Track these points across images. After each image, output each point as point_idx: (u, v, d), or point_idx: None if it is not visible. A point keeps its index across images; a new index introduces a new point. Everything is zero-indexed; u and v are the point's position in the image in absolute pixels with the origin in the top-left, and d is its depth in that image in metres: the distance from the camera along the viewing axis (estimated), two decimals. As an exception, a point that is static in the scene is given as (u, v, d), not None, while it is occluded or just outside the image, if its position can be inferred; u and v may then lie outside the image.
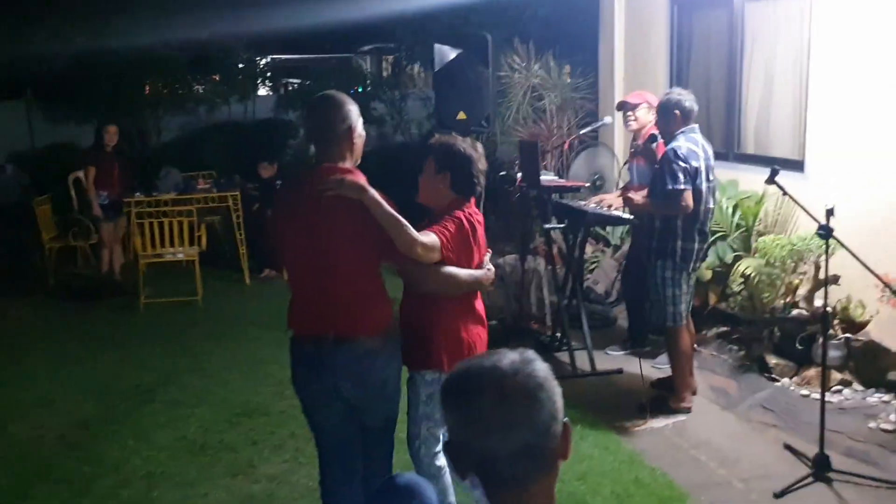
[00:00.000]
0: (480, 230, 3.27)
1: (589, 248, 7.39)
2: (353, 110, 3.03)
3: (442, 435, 3.26)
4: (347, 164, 3.02)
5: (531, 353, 1.44)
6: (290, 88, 14.36)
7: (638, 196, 4.98)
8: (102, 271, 8.36)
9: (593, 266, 7.51)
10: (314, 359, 3.01)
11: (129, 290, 7.88)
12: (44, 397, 5.54)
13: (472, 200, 3.28)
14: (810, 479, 4.02)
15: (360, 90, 12.54)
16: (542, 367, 1.42)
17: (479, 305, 3.35)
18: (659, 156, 5.01)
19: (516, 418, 1.36)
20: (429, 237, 3.01)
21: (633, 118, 5.61)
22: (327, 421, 3.14)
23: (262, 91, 15.15)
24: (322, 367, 2.99)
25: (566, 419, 1.43)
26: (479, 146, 3.33)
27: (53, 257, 8.68)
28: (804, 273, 5.44)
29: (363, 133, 3.08)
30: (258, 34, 12.73)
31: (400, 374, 3.16)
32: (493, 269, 3.30)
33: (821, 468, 4.05)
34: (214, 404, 5.29)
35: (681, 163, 4.63)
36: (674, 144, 4.73)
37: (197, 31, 11.76)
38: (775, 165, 4.25)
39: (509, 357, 1.42)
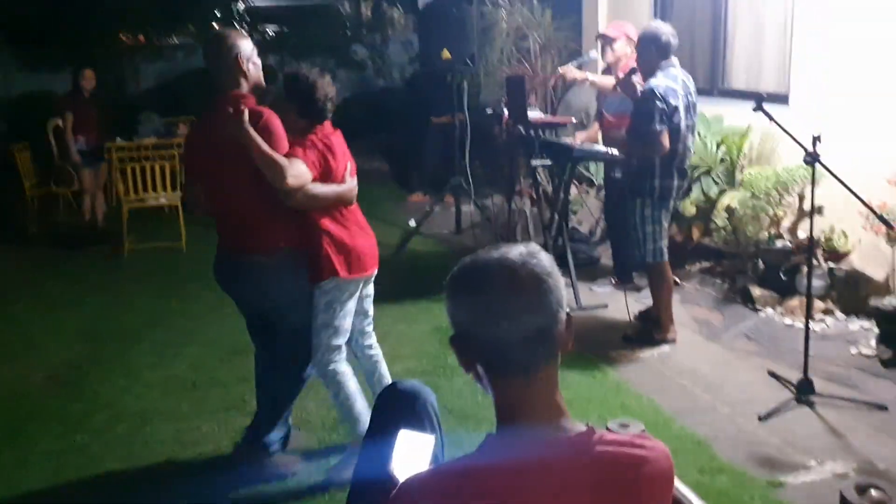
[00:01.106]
0: (338, 148, 3.50)
1: (574, 189, 7.41)
2: (242, 42, 3.39)
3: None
4: (243, 90, 3.37)
5: (535, 246, 1.47)
6: (268, 35, 14.14)
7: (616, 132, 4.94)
8: (85, 218, 8.31)
9: (578, 207, 7.53)
10: (223, 270, 3.52)
11: (113, 237, 7.83)
12: (31, 341, 5.54)
13: (326, 123, 3.50)
14: (793, 403, 4.11)
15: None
16: (547, 257, 1.45)
17: (359, 218, 3.63)
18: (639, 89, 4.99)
19: (529, 304, 1.38)
20: (296, 167, 3.26)
21: (610, 50, 5.59)
22: (245, 314, 3.69)
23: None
24: (229, 277, 3.50)
25: (569, 309, 1.46)
26: (327, 75, 3.57)
27: (35, 205, 8.60)
28: (788, 205, 5.49)
29: (257, 61, 3.44)
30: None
31: (304, 290, 3.49)
32: (354, 181, 3.57)
33: (803, 392, 4.13)
34: (203, 344, 5.31)
35: (658, 102, 4.60)
36: (652, 82, 4.68)
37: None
38: (760, 95, 4.26)
39: (516, 249, 1.44)
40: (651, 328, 5.13)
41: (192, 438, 4.07)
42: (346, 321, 3.58)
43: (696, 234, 6.09)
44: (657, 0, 7.45)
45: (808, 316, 4.30)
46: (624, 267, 6.08)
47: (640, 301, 5.68)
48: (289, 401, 3.68)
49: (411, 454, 1.76)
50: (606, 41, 5.61)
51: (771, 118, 4.17)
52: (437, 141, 8.85)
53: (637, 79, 4.92)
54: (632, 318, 5.30)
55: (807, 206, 4.56)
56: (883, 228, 4.61)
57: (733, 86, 6.59)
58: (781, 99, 5.82)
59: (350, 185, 3.53)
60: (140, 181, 7.57)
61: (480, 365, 1.44)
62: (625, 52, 5.51)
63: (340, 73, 12.80)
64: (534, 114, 5.88)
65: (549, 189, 6.38)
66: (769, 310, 5.30)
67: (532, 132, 5.72)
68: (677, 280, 5.65)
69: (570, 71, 5.91)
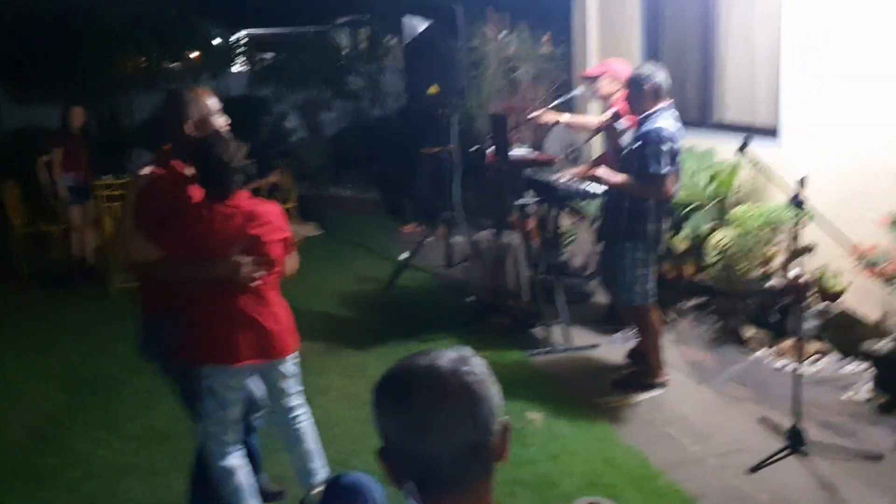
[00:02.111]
0: (231, 223, 3.15)
1: (567, 221, 7.32)
2: (196, 105, 3.25)
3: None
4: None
5: (467, 351, 1.40)
6: (265, 63, 14.13)
7: (608, 174, 4.80)
8: (74, 256, 8.23)
9: (570, 239, 7.43)
10: None
11: (103, 275, 7.75)
12: (11, 389, 5.43)
13: (236, 195, 3.18)
14: (785, 453, 3.99)
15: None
16: (479, 364, 1.38)
17: (241, 301, 3.21)
18: (626, 131, 4.90)
19: (459, 417, 1.31)
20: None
21: (595, 89, 5.52)
22: None
23: (236, 67, 14.92)
24: None
25: (506, 418, 1.39)
26: (233, 144, 3.19)
27: (25, 243, 8.52)
28: (779, 243, 5.38)
29: (217, 122, 3.29)
30: (230, 7, 12.53)
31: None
32: (244, 261, 3.14)
33: (796, 441, 4.01)
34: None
35: (667, 144, 4.49)
36: (660, 124, 4.55)
37: (166, 6, 11.59)
38: (747, 134, 4.16)
39: (446, 355, 1.37)
40: (641, 370, 5.01)
41: (165, 497, 3.95)
42: (231, 412, 3.28)
43: (687, 270, 5.98)
44: (647, 31, 7.37)
45: (800, 360, 4.19)
46: (614, 306, 5.97)
47: (632, 341, 5.57)
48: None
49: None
50: (591, 80, 5.53)
51: (755, 164, 4.08)
52: (428, 172, 8.79)
53: (624, 122, 4.83)
54: (623, 360, 5.18)
55: (797, 245, 4.45)
56: (875, 270, 4.50)
57: (724, 119, 6.51)
58: (771, 133, 5.72)
59: (227, 265, 3.13)
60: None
61: (411, 481, 1.35)
62: (611, 90, 5.43)
63: (336, 103, 12.79)
64: (519, 151, 5.79)
65: (539, 223, 6.28)
66: (761, 351, 5.18)
67: (516, 170, 5.64)
68: (666, 319, 5.54)
69: (545, 115, 5.79)
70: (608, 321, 5.93)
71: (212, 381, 3.24)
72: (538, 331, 5.82)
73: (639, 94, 4.66)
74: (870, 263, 4.36)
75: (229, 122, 3.37)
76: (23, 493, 4.06)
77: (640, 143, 4.60)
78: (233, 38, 14.29)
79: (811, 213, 4.07)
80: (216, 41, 13.14)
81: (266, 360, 3.29)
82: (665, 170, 4.50)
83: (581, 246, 7.29)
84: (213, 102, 3.32)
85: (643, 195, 4.63)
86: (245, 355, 3.21)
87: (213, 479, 3.33)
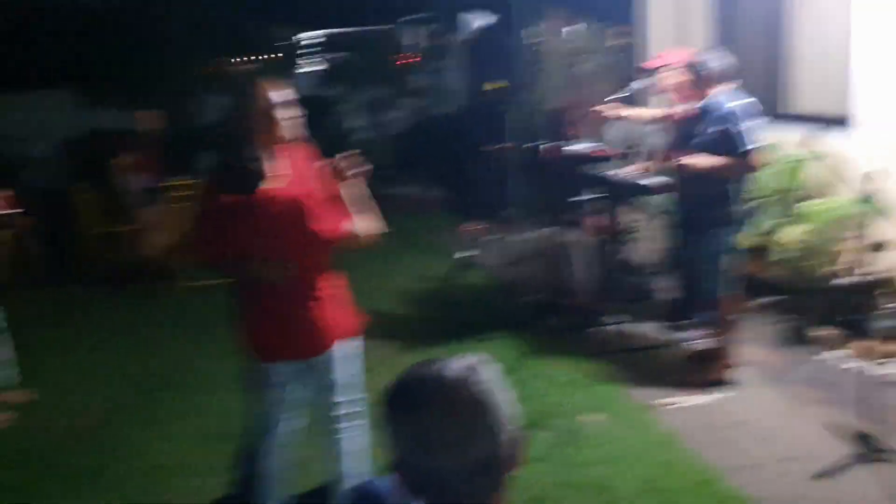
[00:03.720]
0: (252, 217, 3.11)
1: (633, 217, 7.16)
2: (266, 96, 3.17)
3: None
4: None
5: (475, 359, 1.35)
6: (332, 63, 14.26)
7: (697, 159, 4.67)
8: (145, 257, 8.41)
9: (633, 236, 7.25)
10: None
11: (172, 274, 7.89)
12: (61, 387, 5.48)
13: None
14: (854, 460, 3.80)
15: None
16: (489, 372, 1.33)
17: (268, 299, 3.20)
18: (689, 121, 4.77)
19: (466, 431, 1.27)
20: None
21: (655, 82, 5.37)
22: None
23: (305, 68, 15.08)
24: None
25: (520, 428, 1.33)
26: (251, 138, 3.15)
27: (96, 244, 8.75)
28: (849, 239, 5.14)
29: (283, 113, 3.19)
30: (297, 8, 12.67)
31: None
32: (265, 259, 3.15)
33: (865, 447, 3.82)
34: (237, 390, 5.22)
35: (744, 122, 4.46)
36: (730, 105, 4.53)
37: (234, 9, 11.80)
38: (810, 126, 4.01)
39: (454, 364, 1.33)
40: (708, 370, 4.86)
41: (209, 498, 3.89)
42: (274, 410, 3.32)
43: (754, 267, 5.77)
44: (712, 22, 7.16)
45: (873, 361, 3.99)
46: (687, 303, 5.79)
47: (699, 341, 5.40)
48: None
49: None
50: (648, 73, 5.39)
51: (819, 153, 3.90)
52: (488, 170, 8.72)
53: (685, 111, 4.71)
54: (687, 359, 5.03)
55: (868, 241, 4.25)
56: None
57: (792, 110, 6.26)
58: (841, 122, 5.48)
59: (251, 264, 3.15)
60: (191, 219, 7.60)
61: (424, 496, 1.30)
62: (674, 82, 5.26)
63: (400, 102, 12.83)
64: (576, 146, 5.67)
65: (602, 219, 6.16)
66: (832, 352, 4.96)
67: (572, 166, 5.53)
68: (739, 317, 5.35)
69: (605, 110, 5.66)
70: (673, 318, 5.76)
71: (254, 376, 3.28)
72: (600, 331, 5.69)
73: (699, 80, 4.62)
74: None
75: (299, 115, 3.29)
76: (66, 491, 4.09)
77: (719, 125, 4.53)
78: (300, 38, 14.43)
79: (882, 208, 3.87)
80: (283, 42, 13.30)
81: (296, 360, 3.27)
82: (754, 145, 4.45)
83: (644, 243, 7.12)
84: (278, 95, 3.23)
85: (736, 174, 4.57)
86: (276, 355, 3.24)
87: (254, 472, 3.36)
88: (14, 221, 5.97)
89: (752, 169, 4.56)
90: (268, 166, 3.15)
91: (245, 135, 3.17)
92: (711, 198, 4.62)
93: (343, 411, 3.38)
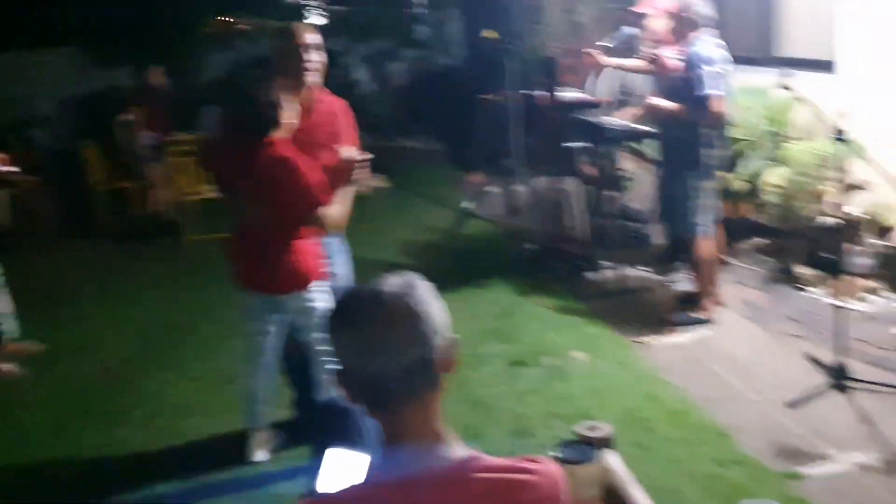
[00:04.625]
0: (249, 160, 3.30)
1: (629, 165, 7.26)
2: (305, 37, 3.52)
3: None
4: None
5: (412, 276, 1.48)
6: (335, 17, 14.22)
7: (659, 101, 4.83)
8: (152, 211, 8.60)
9: (629, 183, 7.37)
10: None
11: (178, 228, 8.07)
12: (89, 336, 5.76)
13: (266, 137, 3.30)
14: (827, 389, 3.97)
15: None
16: (423, 286, 1.46)
17: (251, 237, 3.54)
18: (665, 65, 4.88)
19: (402, 338, 1.40)
20: None
21: (643, 29, 5.45)
22: None
23: (309, 22, 15.05)
24: None
25: (455, 335, 1.46)
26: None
27: (104, 200, 8.92)
28: (834, 179, 5.26)
29: (314, 56, 3.52)
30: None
31: None
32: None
33: (838, 376, 3.99)
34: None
35: (707, 66, 4.54)
36: (694, 49, 4.63)
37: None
38: (788, 70, 4.11)
39: (392, 282, 1.45)
40: (692, 308, 5.03)
41: (226, 432, 4.15)
42: (256, 337, 3.77)
43: (743, 209, 5.90)
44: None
45: (848, 296, 4.15)
46: (673, 245, 5.95)
47: (685, 281, 5.57)
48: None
49: (338, 472, 1.79)
50: (638, 18, 5.46)
51: (800, 96, 4.01)
52: (487, 119, 8.78)
53: (667, 53, 4.80)
54: (673, 300, 5.20)
55: (849, 181, 4.37)
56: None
57: (780, 53, 6.32)
58: (826, 66, 5.55)
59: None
60: (195, 174, 7.77)
61: (363, 398, 1.45)
62: (659, 27, 5.34)
63: (403, 53, 12.82)
64: (567, 94, 5.77)
65: (595, 166, 6.27)
66: (815, 289, 5.11)
67: (566, 113, 5.64)
68: (723, 258, 5.51)
69: (596, 56, 5.74)
70: (663, 261, 5.92)
71: (243, 307, 3.73)
72: (593, 274, 5.85)
73: (679, 24, 4.72)
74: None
75: (324, 61, 3.53)
76: (99, 430, 4.35)
77: (683, 69, 4.65)
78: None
79: (859, 149, 3.99)
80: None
81: (266, 294, 3.58)
82: (710, 91, 4.50)
83: (641, 189, 7.24)
84: (311, 38, 3.50)
85: (694, 119, 4.65)
86: (247, 284, 3.60)
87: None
88: (14, 180, 6.09)
89: (712, 114, 4.58)
90: (282, 113, 3.30)
91: (270, 77, 3.33)
92: (684, 141, 4.74)
93: (318, 347, 3.57)
